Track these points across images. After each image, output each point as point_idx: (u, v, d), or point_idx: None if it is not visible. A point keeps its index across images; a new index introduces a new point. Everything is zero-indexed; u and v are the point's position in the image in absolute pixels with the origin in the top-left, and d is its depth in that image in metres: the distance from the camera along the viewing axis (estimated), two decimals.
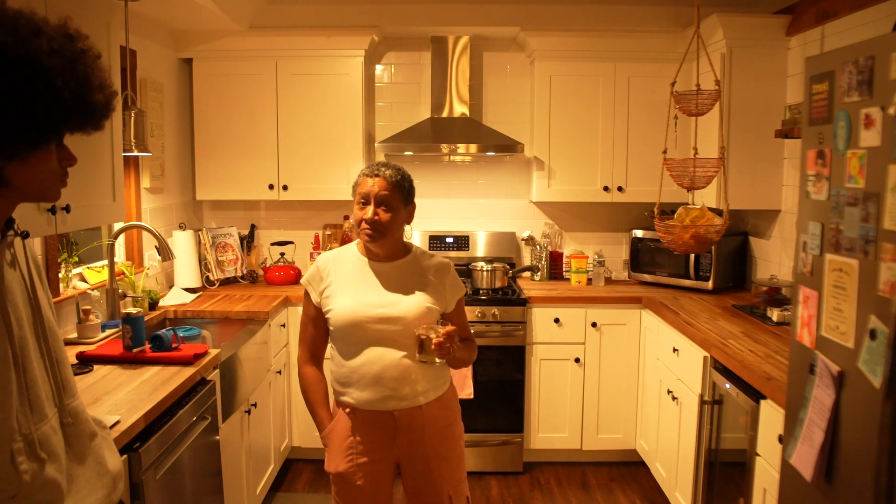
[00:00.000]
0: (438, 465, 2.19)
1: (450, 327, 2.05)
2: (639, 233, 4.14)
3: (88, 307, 2.84)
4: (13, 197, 1.25)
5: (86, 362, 2.46)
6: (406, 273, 2.17)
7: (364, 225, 2.09)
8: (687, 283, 3.93)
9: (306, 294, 2.22)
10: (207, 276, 3.97)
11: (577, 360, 3.85)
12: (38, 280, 1.38)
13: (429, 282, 2.17)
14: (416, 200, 2.21)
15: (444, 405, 2.20)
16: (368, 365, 2.11)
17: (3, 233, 1.28)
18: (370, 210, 2.08)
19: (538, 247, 4.30)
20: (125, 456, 1.89)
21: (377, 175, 2.09)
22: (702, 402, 2.91)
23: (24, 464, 1.19)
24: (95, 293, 3.09)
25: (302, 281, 2.24)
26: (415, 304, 2.11)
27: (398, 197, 2.10)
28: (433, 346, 2.03)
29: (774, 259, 3.72)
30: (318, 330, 2.22)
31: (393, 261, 2.18)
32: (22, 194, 1.26)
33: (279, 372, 3.64)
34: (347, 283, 2.16)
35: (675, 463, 3.25)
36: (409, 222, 2.20)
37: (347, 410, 2.17)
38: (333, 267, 2.20)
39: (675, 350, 3.26)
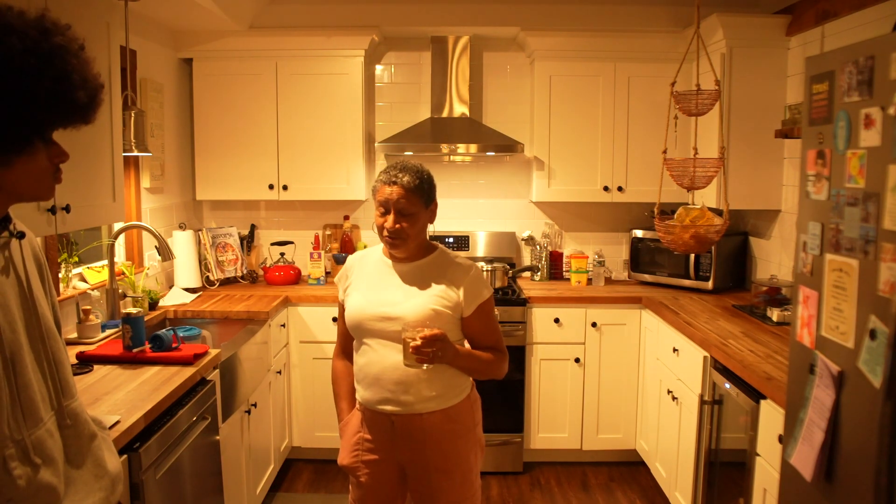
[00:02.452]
0: (439, 478, 2.13)
1: (432, 331, 1.96)
2: (639, 233, 4.14)
3: (88, 307, 2.84)
4: (4, 199, 1.23)
5: (86, 362, 2.46)
6: (422, 273, 2.13)
7: (385, 233, 2.08)
8: (687, 283, 3.93)
9: (337, 296, 2.27)
10: (207, 276, 3.97)
11: (577, 360, 3.85)
12: (40, 280, 1.36)
13: (443, 284, 2.10)
14: None
15: (451, 418, 2.12)
16: (370, 365, 2.11)
17: None
18: (391, 219, 2.06)
19: (538, 247, 4.30)
20: (125, 456, 1.89)
21: (395, 183, 2.05)
22: (702, 402, 2.91)
23: (17, 469, 1.18)
24: (95, 293, 3.09)
25: (335, 279, 2.29)
26: (418, 305, 2.07)
27: (418, 202, 2.07)
28: (410, 350, 1.96)
29: (774, 259, 3.72)
30: (346, 325, 2.22)
31: (413, 261, 2.16)
32: (13, 196, 1.23)
33: (279, 372, 3.64)
34: (365, 282, 2.17)
35: (675, 463, 3.25)
36: (431, 222, 2.16)
37: (358, 406, 2.20)
38: (358, 266, 2.23)
39: (675, 350, 3.26)
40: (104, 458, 1.40)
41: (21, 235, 1.32)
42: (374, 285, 2.14)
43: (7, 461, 1.17)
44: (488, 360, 2.14)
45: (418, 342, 1.94)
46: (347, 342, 2.27)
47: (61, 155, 1.24)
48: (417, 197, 2.07)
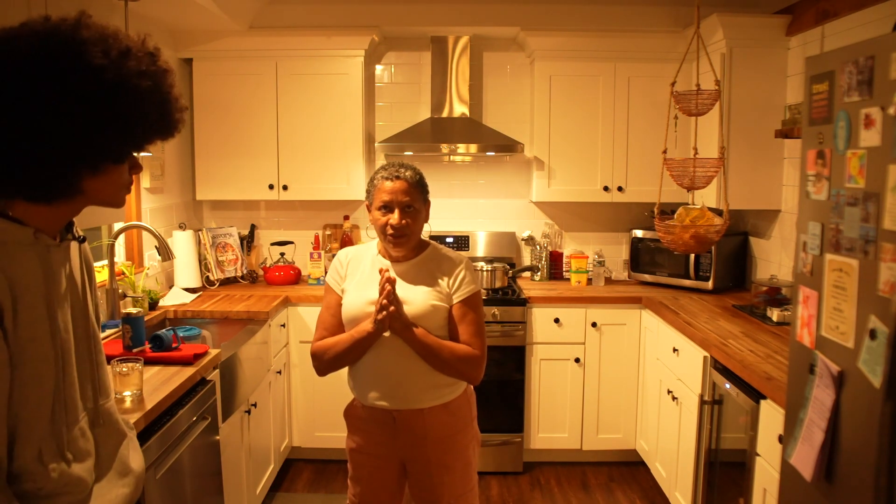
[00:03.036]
0: (440, 472, 2.15)
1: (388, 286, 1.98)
2: (639, 233, 4.14)
3: None
4: (82, 203, 1.29)
5: None
6: (418, 271, 2.15)
7: (390, 230, 2.08)
8: (687, 283, 3.93)
9: (328, 288, 2.23)
10: (207, 276, 3.97)
11: (577, 360, 3.85)
12: (89, 285, 1.42)
13: (437, 277, 2.13)
14: None
15: (451, 412, 2.14)
16: (372, 362, 2.11)
17: (62, 237, 1.32)
18: (396, 216, 2.06)
19: (538, 247, 4.30)
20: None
21: (398, 177, 2.07)
22: (702, 402, 2.91)
23: (51, 462, 1.23)
24: None
25: (327, 279, 2.25)
26: (418, 302, 2.09)
27: (419, 198, 2.11)
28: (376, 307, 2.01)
29: (774, 259, 3.72)
30: (335, 318, 2.19)
31: (410, 259, 2.17)
32: (90, 201, 1.30)
33: (279, 372, 3.64)
34: (361, 282, 2.16)
35: (675, 463, 3.25)
36: (427, 220, 2.19)
37: (357, 403, 2.21)
38: (353, 264, 2.21)
39: (675, 350, 3.26)
40: (130, 456, 1.46)
41: (83, 240, 1.40)
42: (372, 285, 2.12)
43: (43, 454, 1.22)
44: (451, 348, 2.07)
45: (384, 302, 1.99)
46: (334, 333, 2.19)
47: (138, 167, 1.32)
48: (418, 191, 2.11)
